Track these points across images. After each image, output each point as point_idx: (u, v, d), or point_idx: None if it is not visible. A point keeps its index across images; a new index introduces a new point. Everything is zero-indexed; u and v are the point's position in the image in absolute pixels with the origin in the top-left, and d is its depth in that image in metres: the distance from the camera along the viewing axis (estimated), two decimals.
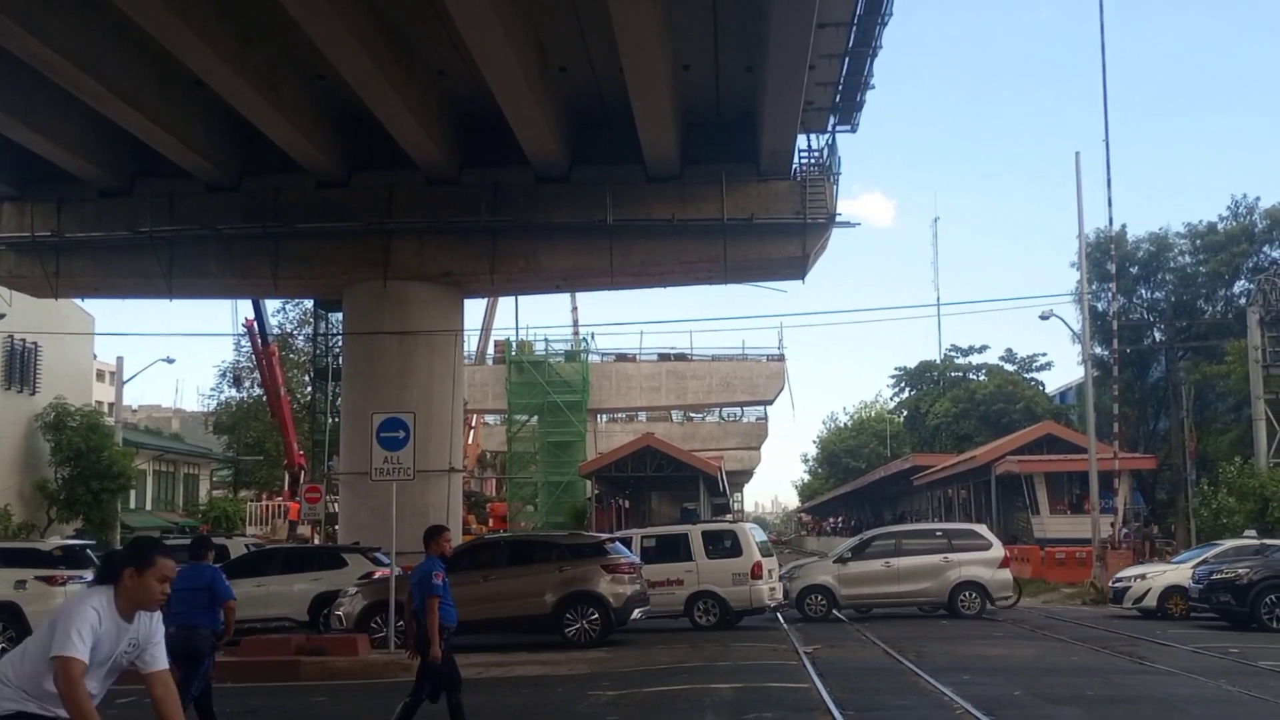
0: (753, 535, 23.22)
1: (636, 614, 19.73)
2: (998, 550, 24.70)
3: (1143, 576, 24.97)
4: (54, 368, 46.22)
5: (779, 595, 23.06)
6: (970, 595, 23.85)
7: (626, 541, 23.58)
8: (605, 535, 21.75)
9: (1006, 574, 24.48)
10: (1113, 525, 35.63)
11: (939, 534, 26.42)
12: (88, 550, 21.89)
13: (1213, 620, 21.91)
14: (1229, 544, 25.95)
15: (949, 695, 12.48)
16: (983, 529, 27.16)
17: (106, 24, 21.57)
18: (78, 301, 41.26)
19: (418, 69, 24.36)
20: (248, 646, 16.61)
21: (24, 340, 43.55)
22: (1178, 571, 24.35)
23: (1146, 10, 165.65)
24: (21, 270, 30.49)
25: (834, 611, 23.89)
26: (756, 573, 21.98)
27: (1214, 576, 21.71)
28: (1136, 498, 44.31)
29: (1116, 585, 25.19)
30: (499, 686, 14.64)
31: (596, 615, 18.69)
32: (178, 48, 21.22)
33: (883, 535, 27.50)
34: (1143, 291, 50.92)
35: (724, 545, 22.83)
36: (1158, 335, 49.98)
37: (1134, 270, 49.64)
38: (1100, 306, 46.78)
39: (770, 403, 65.38)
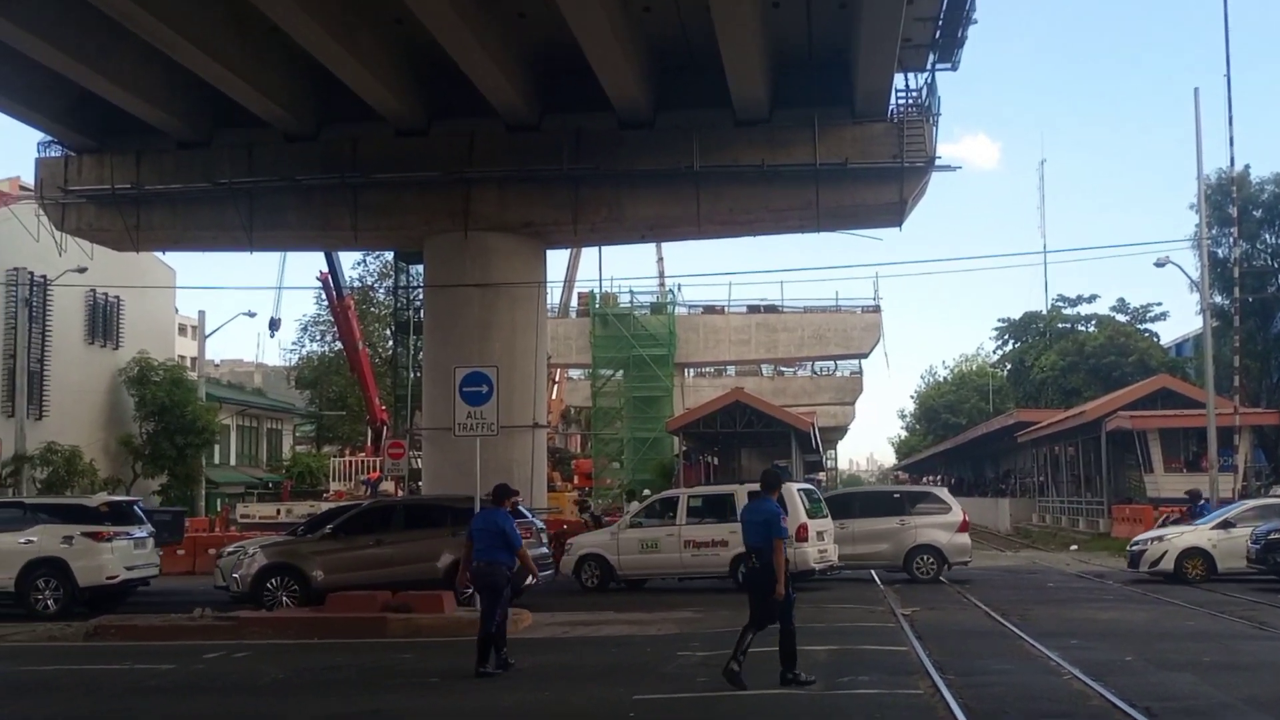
0: (800, 496, 22.79)
1: (530, 580, 19.61)
2: (956, 514, 24.49)
3: (1160, 539, 24.51)
4: (136, 322, 47.41)
5: (832, 557, 22.77)
6: (925, 559, 23.70)
7: (673, 501, 23.83)
8: (511, 498, 20.97)
9: (964, 538, 24.24)
10: (1232, 485, 34.85)
11: (897, 496, 26.35)
12: (135, 506, 22.17)
13: (1269, 581, 21.54)
14: (1254, 503, 25.51)
15: (1055, 660, 12.40)
16: (943, 492, 27.06)
17: None
18: (158, 255, 42.27)
19: (497, 11, 24.33)
20: (333, 603, 17.01)
21: (106, 294, 44.70)
22: (1197, 533, 23.92)
23: None
24: (101, 223, 31.19)
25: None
26: (802, 535, 21.61)
27: (1272, 536, 21.31)
28: (1258, 455, 43.23)
29: (1134, 549, 24.66)
30: (586, 646, 14.82)
31: None
32: None
33: (840, 496, 27.68)
34: (1267, 236, 49.42)
35: None
36: None
37: (1257, 214, 48.18)
38: (1220, 252, 45.58)
39: (865, 356, 64.78)
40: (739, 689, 10.64)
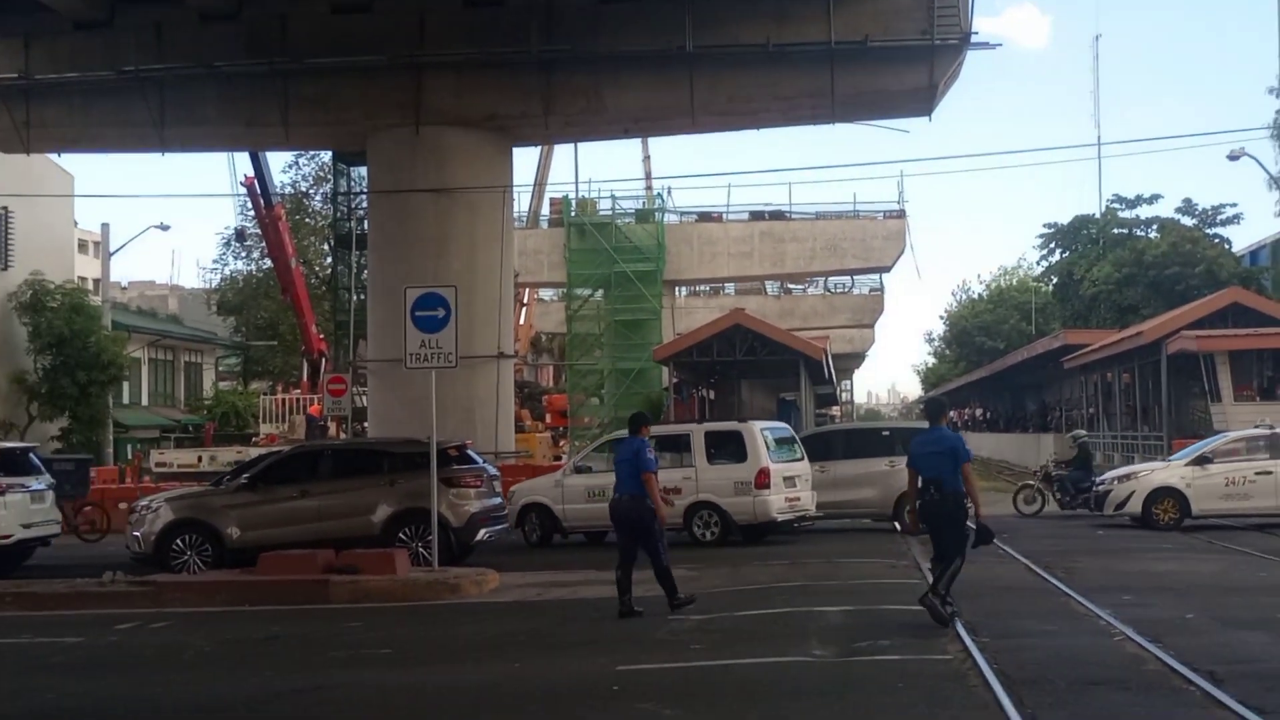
0: (763, 436, 22.82)
1: (483, 534, 19.77)
2: None
3: (1127, 477, 24.88)
4: (29, 237, 46.98)
5: (806, 506, 22.92)
6: None
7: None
8: (454, 442, 20.93)
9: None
10: None
11: (886, 434, 26.45)
12: (30, 454, 22.07)
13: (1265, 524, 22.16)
14: (1235, 435, 25.81)
15: (1105, 618, 12.50)
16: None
17: None
18: (54, 158, 41.87)
19: None
20: (266, 564, 17.05)
21: None
22: (1169, 470, 24.37)
23: None
24: None
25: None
26: (762, 481, 21.94)
27: None
28: None
29: (1099, 488, 24.98)
30: (562, 609, 14.98)
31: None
32: None
33: (820, 436, 28.00)
34: None
35: (728, 448, 22.80)
36: None
37: None
38: None
39: (888, 269, 64.71)
40: (940, 624, 11.96)
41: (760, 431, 22.89)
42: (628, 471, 14.28)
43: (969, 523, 12.84)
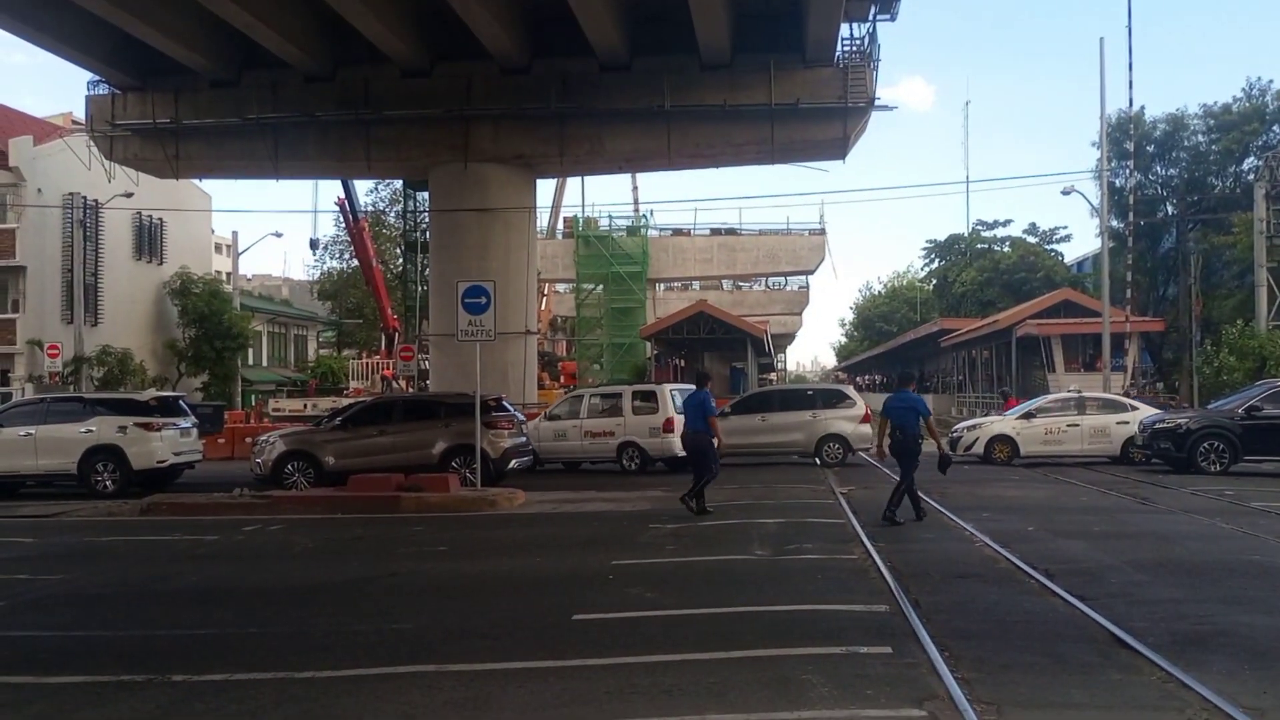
0: (671, 395, 22.89)
1: (514, 464, 19.70)
2: (860, 408, 24.40)
3: (973, 427, 25.07)
4: (178, 241, 46.95)
5: None
6: (834, 446, 23.69)
7: (579, 398, 24.24)
8: (492, 395, 20.58)
9: (866, 428, 23.88)
10: (1123, 382, 35.28)
11: (810, 393, 26.20)
12: (180, 401, 21.99)
13: (1056, 463, 22.38)
14: (1051, 398, 26.03)
15: (969, 530, 12.59)
16: (849, 389, 26.92)
17: None
18: (196, 182, 41.71)
19: None
20: (354, 484, 17.05)
21: (151, 216, 44.16)
22: (1004, 422, 24.61)
23: None
24: (145, 153, 30.80)
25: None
26: (668, 427, 22.03)
27: (1156, 426, 21.63)
28: (1144, 357, 43.71)
29: (953, 435, 24.96)
30: (572, 520, 14.95)
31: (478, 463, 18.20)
32: None
33: (761, 394, 27.92)
34: (1158, 168, 49.57)
35: (648, 403, 22.88)
36: (1170, 209, 48.92)
37: (1150, 149, 48.28)
38: (1118, 183, 45.77)
39: (811, 273, 64.78)
40: (892, 525, 12.97)
41: (669, 391, 23.08)
42: (695, 414, 14.78)
43: (940, 453, 14.49)
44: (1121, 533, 12.51)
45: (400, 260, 51.57)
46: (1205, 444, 20.49)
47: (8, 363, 39.20)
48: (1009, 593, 8.94)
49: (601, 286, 56.33)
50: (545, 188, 77.54)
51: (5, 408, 21.54)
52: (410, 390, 36.73)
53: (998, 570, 10.03)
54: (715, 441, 14.77)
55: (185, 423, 20.85)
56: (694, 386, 15.64)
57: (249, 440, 25.70)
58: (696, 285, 69.51)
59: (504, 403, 21.17)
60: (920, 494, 13.96)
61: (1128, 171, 45.72)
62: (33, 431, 19.42)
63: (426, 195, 34.14)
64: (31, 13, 25.08)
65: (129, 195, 36.01)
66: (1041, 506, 15.31)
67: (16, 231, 39.17)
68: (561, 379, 52.61)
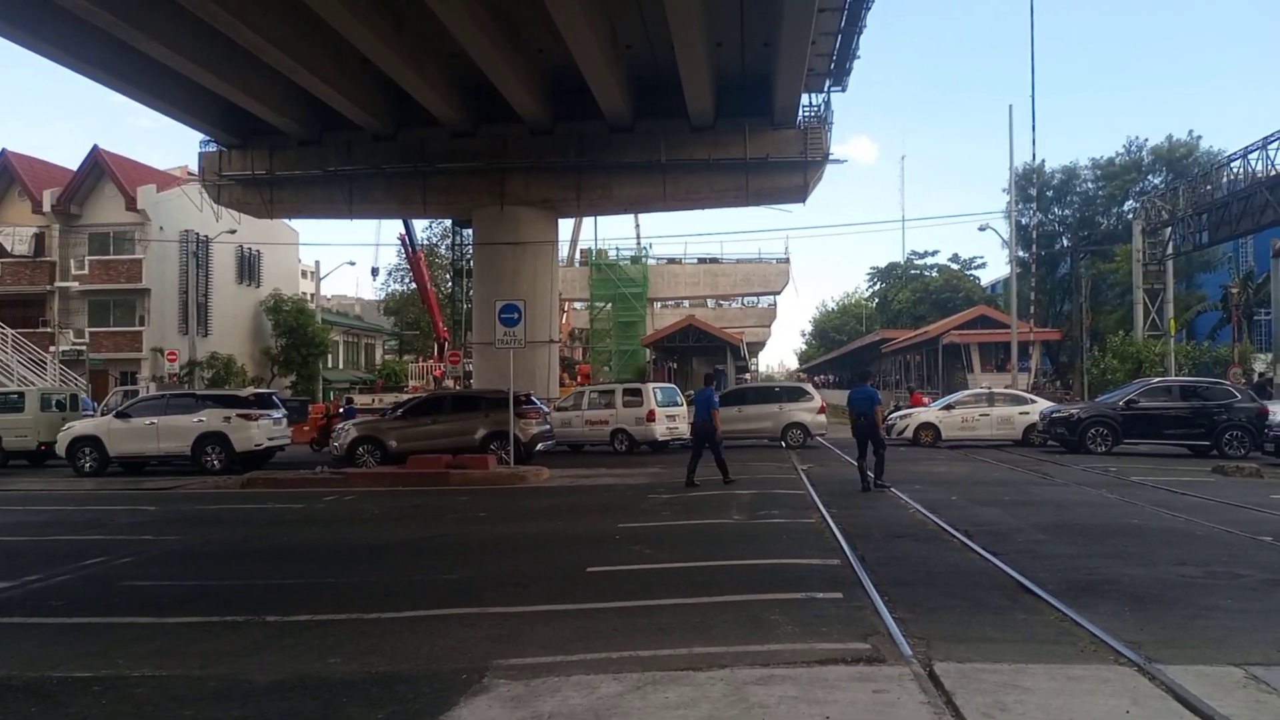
0: (654, 391, 22.84)
1: (540, 446, 19.65)
2: (817, 402, 24.30)
3: (905, 416, 24.80)
4: (271, 268, 46.87)
5: (681, 432, 22.64)
6: (796, 432, 23.58)
7: (582, 393, 24.26)
8: (523, 392, 20.28)
9: (822, 418, 24.00)
10: (1027, 381, 35.23)
11: (777, 389, 26.04)
12: (273, 396, 21.88)
13: (973, 446, 22.30)
14: (967, 393, 25.82)
15: (904, 499, 12.55)
16: (809, 387, 26.79)
17: (298, 16, 21.29)
18: (286, 220, 41.67)
19: (523, 48, 23.81)
20: (412, 463, 17.02)
21: (250, 248, 44.12)
22: (929, 412, 24.40)
23: None
24: (245, 198, 30.81)
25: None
26: (651, 417, 22.14)
27: (1054, 415, 21.59)
28: (1045, 361, 43.68)
29: (888, 422, 24.48)
30: (586, 491, 14.93)
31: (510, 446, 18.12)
32: (350, 33, 20.95)
33: (737, 390, 28.04)
34: (1056, 209, 49.65)
35: (635, 398, 22.82)
36: (1065, 242, 48.87)
37: (1049, 194, 48.40)
38: (1024, 221, 45.75)
39: (778, 294, 65.01)
40: (865, 491, 13.19)
41: (652, 389, 23.10)
42: (702, 406, 14.80)
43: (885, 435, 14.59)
44: (1027, 501, 12.46)
45: (449, 283, 51.68)
46: (1093, 430, 20.46)
47: (135, 365, 39.20)
48: (936, 549, 8.91)
49: (610, 304, 56.37)
50: (565, 225, 77.52)
51: (133, 402, 21.51)
52: (457, 387, 36.71)
53: (927, 531, 9.99)
54: (715, 428, 14.82)
55: (277, 414, 20.84)
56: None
57: (330, 421, 25.59)
58: (686, 303, 69.49)
59: (532, 397, 21.14)
60: (884, 468, 13.89)
61: (1031, 212, 45.74)
62: (155, 421, 19.44)
63: (471, 231, 34.16)
64: (161, 87, 25.12)
65: (233, 232, 36.12)
66: (962, 480, 15.25)
67: (143, 262, 39.16)
68: (578, 379, 52.54)
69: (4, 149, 39.95)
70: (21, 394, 22.89)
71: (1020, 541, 9.24)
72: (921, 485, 14.25)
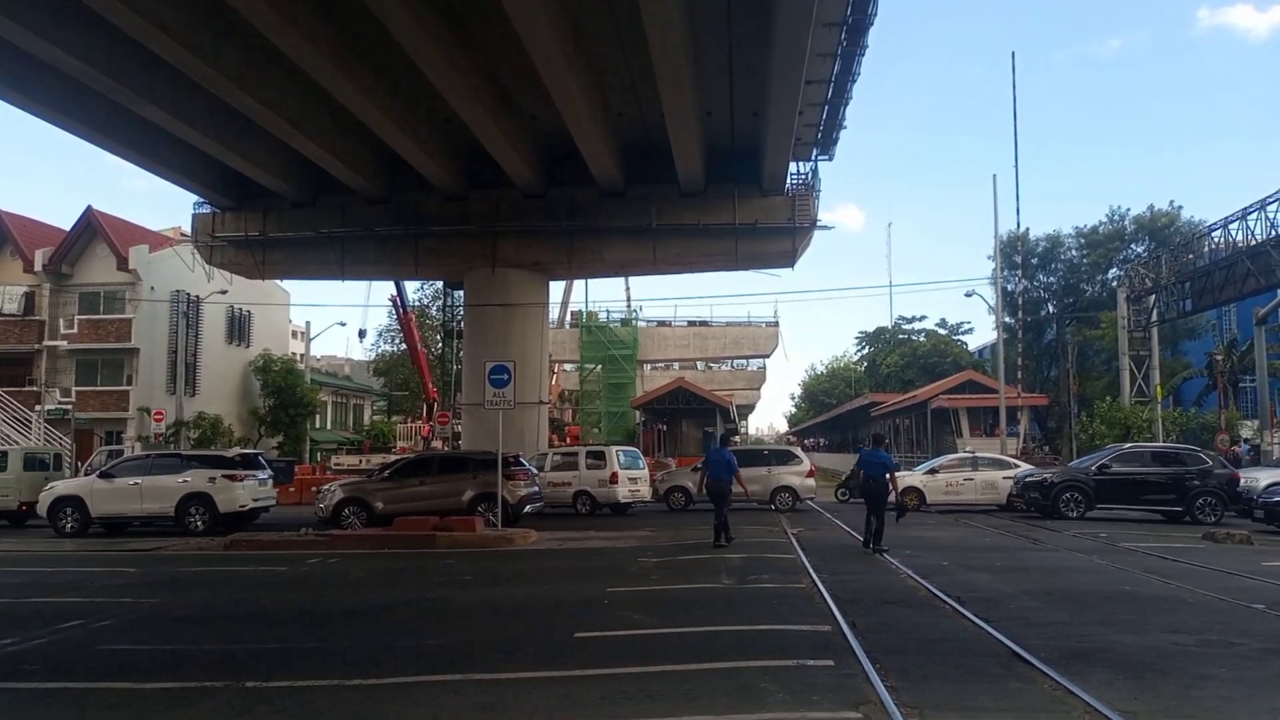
0: (617, 454, 22.81)
1: (528, 508, 19.38)
2: (806, 465, 24.17)
3: None
4: (262, 328, 46.89)
5: (643, 495, 22.78)
6: (784, 495, 23.33)
7: (544, 455, 24.22)
8: (511, 453, 20.12)
9: (811, 481, 23.87)
10: (1016, 446, 35.26)
11: (766, 453, 25.88)
12: (259, 457, 21.67)
13: (961, 511, 22.19)
14: (952, 457, 25.81)
15: (895, 564, 12.45)
16: (798, 450, 26.70)
17: (294, 81, 21.67)
18: (278, 281, 41.80)
19: (516, 115, 24.24)
20: (398, 525, 16.82)
21: (241, 308, 44.18)
22: (914, 476, 24.18)
23: (1049, 65, 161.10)
24: (238, 259, 30.87)
25: (689, 505, 23.38)
26: (614, 479, 22.11)
27: (1028, 479, 21.57)
28: (1033, 426, 43.84)
29: (853, 484, 24.68)
30: (574, 554, 14.78)
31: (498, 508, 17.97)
32: (345, 98, 21.29)
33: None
34: (1041, 276, 50.29)
35: (598, 460, 22.77)
36: (1051, 309, 49.38)
37: (1034, 261, 49.07)
38: (1009, 287, 46.23)
39: (768, 357, 65.03)
40: (871, 553, 13.47)
41: (615, 451, 23.21)
42: (721, 467, 15.06)
43: (891, 502, 14.52)
44: (1018, 567, 12.39)
45: (440, 344, 51.72)
46: (1066, 494, 20.35)
47: (121, 425, 38.90)
48: (928, 616, 8.82)
49: (600, 366, 56.34)
50: (556, 288, 77.95)
51: (117, 462, 21.28)
52: (445, 448, 36.47)
53: (919, 597, 9.91)
54: (742, 489, 15.46)
55: (263, 474, 20.62)
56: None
57: (314, 489, 25.37)
58: (676, 365, 69.52)
59: (521, 459, 21.01)
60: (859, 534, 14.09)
61: (1017, 279, 46.28)
62: (139, 481, 19.22)
63: (462, 293, 34.32)
64: (158, 151, 25.39)
65: (224, 292, 36.18)
66: (953, 545, 15.18)
67: (133, 321, 39.16)
68: (568, 440, 52.33)
69: None
70: (4, 453, 22.65)
71: (1012, 608, 9.16)
72: (912, 550, 14.16)
